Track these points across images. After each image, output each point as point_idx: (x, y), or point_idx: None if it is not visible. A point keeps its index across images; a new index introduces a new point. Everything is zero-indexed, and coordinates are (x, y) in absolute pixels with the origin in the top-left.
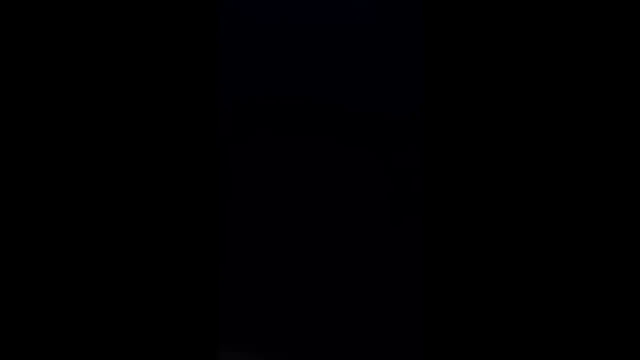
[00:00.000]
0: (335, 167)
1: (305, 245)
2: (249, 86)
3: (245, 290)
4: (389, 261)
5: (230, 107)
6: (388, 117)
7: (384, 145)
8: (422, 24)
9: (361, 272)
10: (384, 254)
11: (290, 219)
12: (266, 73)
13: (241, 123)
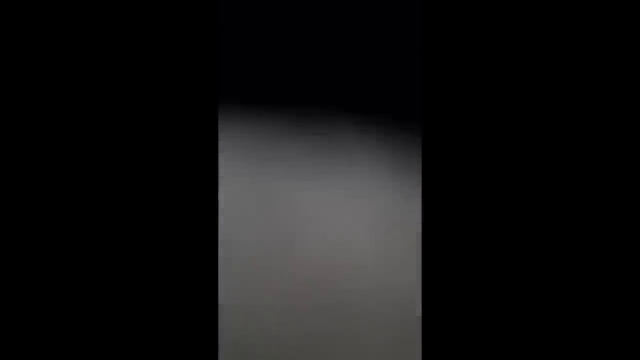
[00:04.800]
0: (335, 166)
1: (306, 250)
2: (249, 84)
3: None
4: (389, 262)
5: (232, 104)
6: (388, 115)
7: (384, 144)
8: (421, 24)
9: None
10: (384, 253)
11: (291, 222)
12: (266, 72)
13: (242, 122)
